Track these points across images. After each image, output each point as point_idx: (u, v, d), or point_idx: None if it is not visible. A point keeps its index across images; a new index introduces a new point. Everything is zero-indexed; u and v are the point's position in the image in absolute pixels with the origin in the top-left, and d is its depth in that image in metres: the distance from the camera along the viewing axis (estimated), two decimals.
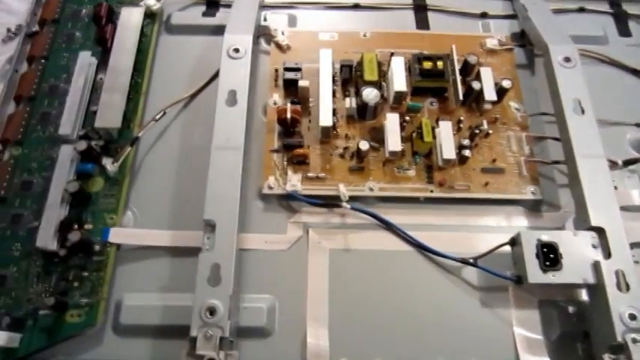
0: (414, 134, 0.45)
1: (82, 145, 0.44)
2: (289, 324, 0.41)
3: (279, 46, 0.51)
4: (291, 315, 0.41)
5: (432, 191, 0.45)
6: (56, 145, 0.46)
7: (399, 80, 0.46)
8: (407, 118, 0.46)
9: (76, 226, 0.43)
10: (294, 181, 0.44)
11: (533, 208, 0.45)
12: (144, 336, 0.41)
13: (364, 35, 0.52)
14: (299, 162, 0.45)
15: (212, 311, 0.37)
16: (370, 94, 0.45)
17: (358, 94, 0.47)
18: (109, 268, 0.42)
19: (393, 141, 0.44)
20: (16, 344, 0.39)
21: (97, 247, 0.42)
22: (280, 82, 0.49)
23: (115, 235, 0.43)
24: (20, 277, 0.41)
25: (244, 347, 0.40)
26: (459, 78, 0.46)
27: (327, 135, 0.46)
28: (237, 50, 0.46)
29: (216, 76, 0.50)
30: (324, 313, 0.41)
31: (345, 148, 0.46)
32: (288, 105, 0.45)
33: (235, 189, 0.41)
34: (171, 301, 0.41)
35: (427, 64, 0.47)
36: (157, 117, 0.47)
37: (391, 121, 0.45)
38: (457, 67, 0.47)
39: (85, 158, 0.45)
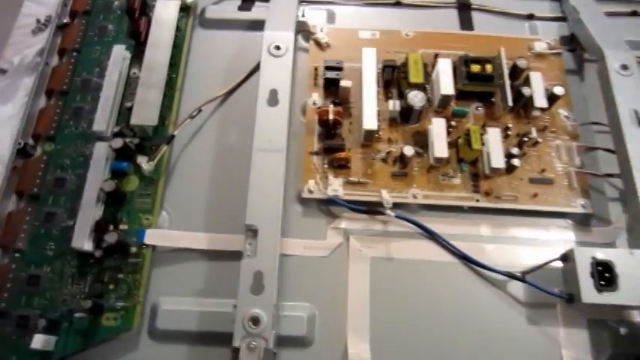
0: (460, 140, 0.44)
1: (118, 142, 0.43)
2: (329, 334, 0.40)
3: (318, 44, 0.49)
4: (331, 325, 0.40)
5: (477, 200, 0.43)
6: (89, 141, 0.45)
7: (446, 83, 0.44)
8: (452, 123, 0.45)
9: (111, 227, 0.42)
10: (336, 186, 0.43)
11: (583, 222, 0.44)
12: (180, 342, 0.40)
13: (406, 34, 0.50)
14: (340, 166, 0.44)
15: (255, 321, 0.36)
16: (416, 98, 0.44)
17: (402, 96, 0.46)
18: (145, 271, 0.41)
19: (440, 147, 0.43)
20: (51, 347, 0.38)
21: (133, 249, 0.41)
22: (320, 82, 0.47)
23: (151, 237, 0.42)
24: (54, 278, 0.40)
25: (283, 357, 0.39)
26: (507, 83, 0.45)
27: (370, 138, 0.44)
28: (278, 47, 0.44)
29: (252, 72, 0.49)
30: (365, 325, 0.40)
31: (388, 153, 0.44)
32: (331, 106, 0.44)
33: (278, 193, 0.39)
34: (209, 307, 0.40)
35: (475, 67, 0.45)
36: (193, 114, 0.46)
37: (437, 126, 0.43)
38: (506, 70, 0.45)
39: (119, 156, 0.44)
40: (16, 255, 0.41)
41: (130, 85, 0.47)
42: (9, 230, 0.42)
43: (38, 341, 0.37)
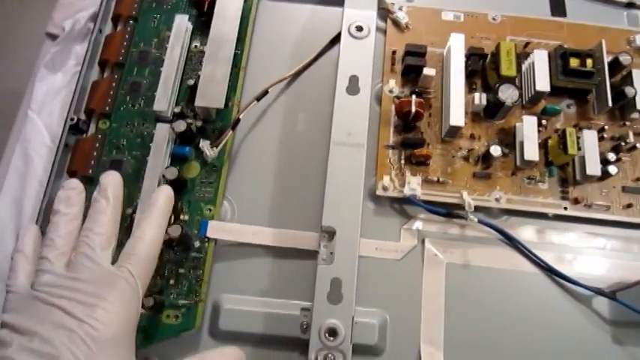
0: (551, 142, 0.40)
1: (182, 125, 0.39)
2: (401, 343, 0.38)
3: (396, 24, 0.45)
4: (403, 333, 0.38)
5: (565, 208, 0.40)
6: (147, 120, 0.42)
7: (542, 78, 0.40)
8: (543, 121, 0.41)
9: (172, 218, 0.38)
10: (414, 185, 0.39)
11: None
12: (243, 343, 0.37)
13: (493, 19, 0.45)
14: (418, 162, 0.40)
15: (333, 333, 0.33)
16: (507, 92, 0.40)
17: (488, 88, 0.42)
18: (207, 266, 0.38)
19: (531, 149, 0.39)
20: None
21: (196, 244, 0.38)
22: (398, 67, 0.43)
23: (214, 230, 0.39)
24: None
25: None
26: (607, 80, 0.40)
27: (454, 135, 0.40)
28: (360, 29, 0.40)
29: (324, 51, 0.45)
30: (439, 334, 0.38)
31: (470, 151, 0.41)
32: (413, 97, 0.40)
33: (358, 193, 0.36)
34: (274, 308, 0.38)
35: (574, 62, 0.41)
36: (259, 96, 0.42)
37: (529, 125, 0.39)
38: (606, 66, 0.41)
39: (181, 140, 0.41)
40: None
41: (190, 60, 0.43)
42: None
43: None
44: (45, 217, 0.39)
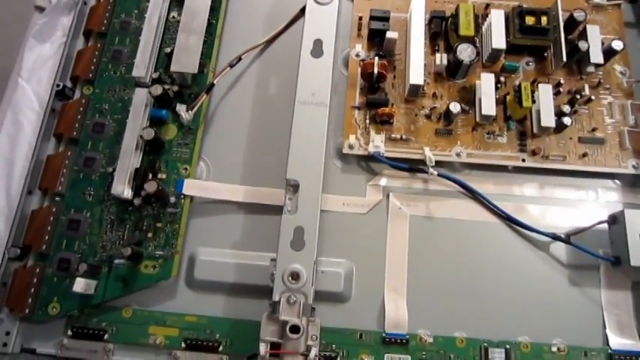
0: (509, 97, 0.40)
1: (158, 89, 0.40)
2: (366, 291, 0.38)
3: None
4: (368, 281, 0.39)
5: (524, 160, 0.40)
6: (128, 86, 0.43)
7: (498, 37, 0.40)
8: (501, 78, 0.41)
9: (150, 176, 0.40)
10: (378, 142, 0.40)
11: (633, 183, 0.41)
12: (217, 292, 0.39)
13: None
14: (382, 121, 0.41)
15: (295, 276, 0.34)
16: (465, 51, 0.40)
17: (450, 49, 0.42)
18: (183, 221, 0.39)
19: (488, 104, 0.39)
20: (91, 291, 0.37)
21: (172, 199, 0.39)
22: (365, 32, 0.44)
23: (190, 187, 0.40)
24: (94, 224, 0.39)
25: (320, 312, 0.37)
26: (563, 37, 0.41)
27: (415, 94, 0.41)
28: None
29: (294, 20, 0.46)
30: (402, 282, 0.39)
31: (432, 109, 0.41)
32: (376, 59, 0.40)
33: (320, 148, 0.37)
34: (245, 259, 0.39)
35: (530, 20, 0.41)
36: (233, 63, 0.43)
37: (486, 82, 0.40)
38: (562, 23, 0.41)
39: (158, 104, 0.42)
40: (57, 199, 0.40)
41: (169, 30, 0.44)
42: (49, 174, 0.41)
43: (79, 285, 0.36)
44: (33, 175, 0.41)
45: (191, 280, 0.39)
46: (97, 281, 0.37)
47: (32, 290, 0.37)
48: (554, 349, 0.36)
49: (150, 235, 0.39)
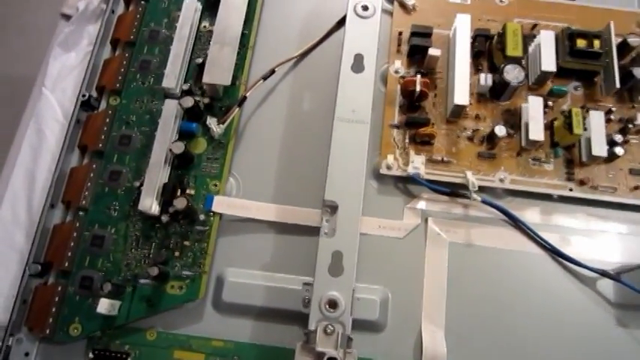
0: (557, 123, 0.39)
1: (189, 101, 0.40)
2: (402, 320, 0.37)
3: (403, 6, 0.44)
4: (404, 310, 0.38)
5: (571, 189, 0.39)
6: (157, 97, 0.42)
7: (548, 59, 0.39)
8: (549, 102, 0.40)
9: (179, 191, 0.39)
10: (418, 163, 0.39)
11: None
12: (246, 316, 0.38)
13: (501, 1, 0.45)
14: (423, 142, 0.40)
15: (333, 304, 0.33)
16: (512, 72, 0.39)
17: (493, 69, 0.41)
18: (212, 240, 0.38)
19: (536, 129, 0.38)
20: (115, 312, 0.36)
21: (201, 217, 0.38)
22: (404, 48, 0.43)
23: (220, 204, 0.39)
24: (119, 240, 0.38)
25: (354, 341, 0.36)
26: (615, 61, 0.40)
27: (458, 115, 0.40)
28: (365, 8, 0.40)
29: (331, 33, 0.45)
30: (440, 312, 0.37)
31: (475, 131, 0.40)
32: (418, 76, 0.39)
33: (360, 169, 0.36)
34: (276, 282, 0.38)
35: (581, 43, 0.40)
36: (266, 76, 0.42)
37: (534, 106, 0.39)
38: (614, 48, 0.40)
39: (188, 116, 0.41)
40: (80, 213, 0.39)
41: (199, 40, 0.44)
42: (72, 187, 0.40)
43: (104, 306, 0.35)
44: (56, 188, 0.40)
45: (219, 302, 0.38)
46: (120, 301, 0.36)
47: (53, 309, 0.36)
48: None
49: (177, 253, 0.38)
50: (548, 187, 0.39)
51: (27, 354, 0.36)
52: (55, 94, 0.43)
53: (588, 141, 0.39)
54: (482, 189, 0.39)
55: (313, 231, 0.39)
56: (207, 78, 0.40)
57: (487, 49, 0.42)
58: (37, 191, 0.40)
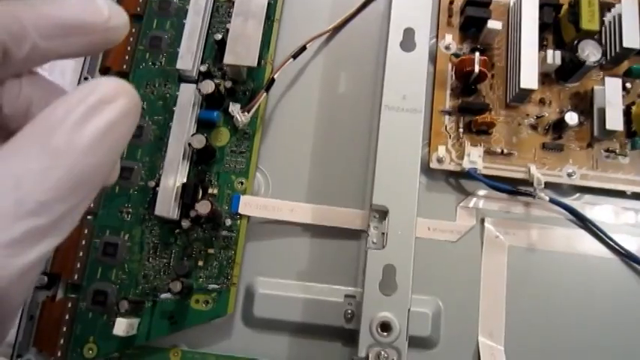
0: (637, 109, 0.34)
1: (209, 86, 0.34)
2: (457, 334, 0.33)
3: None
4: (459, 323, 0.34)
5: None
6: (170, 80, 0.37)
7: (631, 33, 0.34)
8: (627, 84, 0.35)
9: (200, 192, 0.34)
10: (475, 157, 0.34)
11: None
12: (279, 331, 0.34)
13: None
14: (479, 131, 0.35)
15: (386, 327, 0.29)
16: (587, 49, 0.34)
17: (561, 45, 0.36)
18: (240, 247, 0.34)
19: (613, 116, 0.33)
20: (134, 332, 0.32)
21: (227, 221, 0.34)
22: (456, 20, 0.37)
23: (247, 205, 0.34)
24: (134, 248, 0.34)
25: None
26: None
27: (523, 99, 0.35)
28: None
29: (368, 2, 0.39)
30: (499, 326, 0.33)
31: (539, 118, 0.35)
32: (476, 54, 0.34)
33: (414, 166, 0.31)
34: (313, 294, 0.34)
35: None
36: (296, 54, 0.36)
37: (612, 89, 0.34)
38: None
39: (208, 103, 0.36)
40: (88, 217, 0.34)
41: (217, 11, 0.38)
42: None
43: (121, 327, 0.31)
44: None
45: (249, 317, 0.34)
46: (139, 319, 0.32)
47: (64, 328, 0.32)
48: None
49: (200, 263, 0.33)
50: (622, 183, 0.35)
51: None
52: (54, 76, 0.38)
53: None
54: (547, 185, 0.35)
55: (354, 234, 0.35)
56: (229, 58, 0.35)
57: (554, 22, 0.36)
58: None
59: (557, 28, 0.36)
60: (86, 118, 0.14)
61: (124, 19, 0.16)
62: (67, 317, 0.32)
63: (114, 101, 0.15)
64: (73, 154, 0.14)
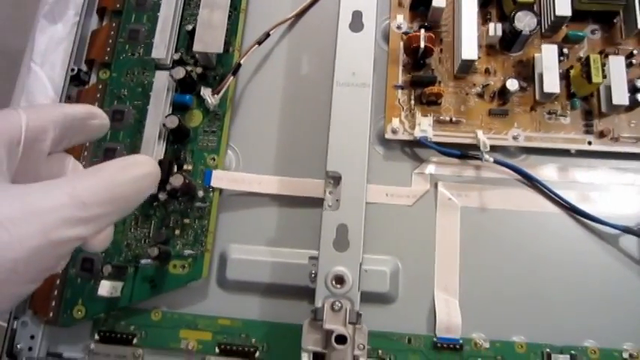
0: (573, 72, 0.35)
1: (180, 72, 0.36)
2: (414, 290, 0.35)
3: None
4: (415, 280, 0.35)
5: (590, 143, 0.35)
6: (147, 69, 0.39)
7: (562, 2, 0.35)
8: (564, 50, 0.36)
9: (175, 168, 0.36)
10: (425, 126, 0.36)
11: None
12: (251, 293, 0.35)
13: None
14: (429, 102, 0.37)
15: (340, 280, 0.30)
16: (524, 20, 0.35)
17: (504, 18, 0.37)
18: (213, 216, 0.36)
19: (551, 80, 0.34)
20: (117, 294, 0.34)
21: (200, 193, 0.36)
22: (406, 1, 0.39)
23: (219, 179, 0.36)
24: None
25: (364, 314, 0.33)
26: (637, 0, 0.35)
27: (467, 70, 0.36)
28: None
29: None
30: (454, 281, 0.35)
31: (485, 87, 0.37)
32: (422, 31, 0.35)
33: (364, 136, 0.32)
34: (281, 257, 0.36)
35: None
36: (261, 40, 0.38)
37: (548, 55, 0.35)
38: None
39: (181, 88, 0.38)
40: None
41: (189, 5, 0.40)
42: None
43: (104, 288, 0.33)
44: None
45: (223, 280, 0.36)
46: (122, 283, 0.34)
47: (55, 292, 0.35)
48: (625, 354, 0.32)
49: (177, 232, 0.36)
50: (565, 142, 0.36)
51: (32, 337, 0.35)
52: (45, 69, 0.40)
53: (608, 89, 0.35)
54: (494, 148, 0.36)
55: (318, 203, 0.36)
56: (198, 46, 0.37)
57: None
58: None
59: (500, 2, 0.38)
60: (127, 168, 0.22)
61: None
62: (58, 282, 0.35)
63: (147, 163, 0.23)
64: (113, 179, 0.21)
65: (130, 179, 0.22)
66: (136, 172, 0.23)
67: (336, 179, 0.32)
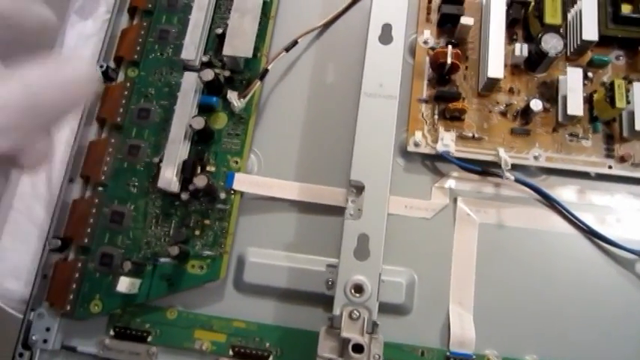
0: (597, 96, 0.35)
1: (209, 74, 0.36)
2: (429, 303, 0.34)
3: None
4: (431, 293, 0.35)
5: (610, 167, 0.35)
6: (175, 69, 0.39)
7: (589, 26, 0.35)
8: (588, 74, 0.36)
9: (199, 169, 0.36)
10: (447, 140, 0.36)
11: None
12: (267, 297, 0.35)
13: None
14: (452, 117, 0.36)
15: (359, 289, 0.30)
16: (551, 42, 0.35)
17: (529, 39, 0.37)
18: (233, 218, 0.35)
19: (574, 103, 0.34)
20: (135, 290, 0.34)
21: (222, 195, 0.36)
22: (434, 17, 0.39)
23: (240, 182, 0.36)
24: (138, 217, 0.36)
25: (379, 325, 0.33)
26: None
27: (491, 88, 0.36)
28: None
29: (354, 2, 0.41)
30: (469, 296, 0.34)
31: (508, 106, 0.37)
32: (449, 48, 0.35)
33: (388, 147, 0.32)
34: (299, 263, 0.35)
35: (626, 8, 0.35)
36: (288, 47, 0.38)
37: (573, 78, 0.35)
38: None
39: (208, 89, 0.38)
40: (99, 189, 0.37)
41: (219, 8, 0.40)
42: (91, 161, 0.37)
43: (123, 285, 0.33)
44: (75, 163, 0.37)
45: (240, 282, 0.35)
46: (141, 280, 0.34)
47: (73, 286, 0.34)
48: None
49: (197, 232, 0.35)
50: (585, 165, 0.35)
51: (48, 329, 0.34)
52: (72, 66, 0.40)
53: (631, 115, 0.34)
54: (515, 167, 0.35)
55: (338, 211, 0.36)
56: (227, 50, 0.37)
57: (523, 17, 0.38)
58: (56, 164, 0.38)
59: (527, 23, 0.38)
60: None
61: None
62: (76, 276, 0.34)
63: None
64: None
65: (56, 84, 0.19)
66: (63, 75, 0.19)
67: (359, 189, 0.32)
